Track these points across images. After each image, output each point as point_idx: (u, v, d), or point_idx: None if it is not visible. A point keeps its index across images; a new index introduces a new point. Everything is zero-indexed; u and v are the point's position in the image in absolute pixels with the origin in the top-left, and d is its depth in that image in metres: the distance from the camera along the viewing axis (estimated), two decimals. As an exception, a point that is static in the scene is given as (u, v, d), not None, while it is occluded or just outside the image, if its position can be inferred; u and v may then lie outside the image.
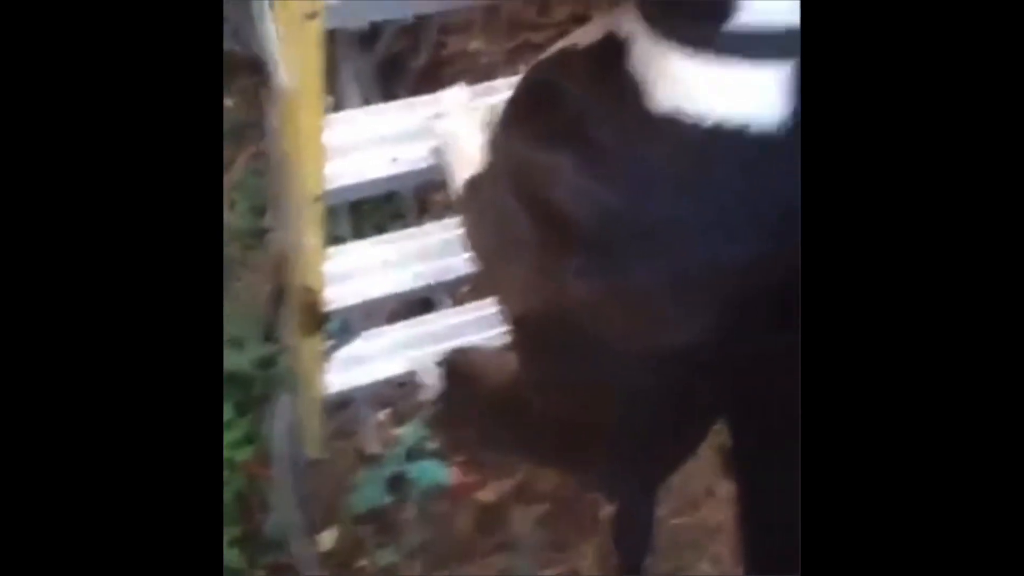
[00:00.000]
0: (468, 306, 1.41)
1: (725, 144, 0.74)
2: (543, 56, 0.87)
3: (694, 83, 0.73)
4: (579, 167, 0.79)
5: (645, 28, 0.75)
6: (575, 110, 0.80)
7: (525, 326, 0.95)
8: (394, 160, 1.05)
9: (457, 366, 1.17)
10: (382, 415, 1.60)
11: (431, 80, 1.66)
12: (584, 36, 0.83)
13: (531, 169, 0.84)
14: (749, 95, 0.73)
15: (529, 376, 0.98)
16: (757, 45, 0.72)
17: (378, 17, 1.24)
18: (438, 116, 1.04)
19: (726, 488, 1.23)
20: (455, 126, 1.02)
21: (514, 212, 0.86)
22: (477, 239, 0.97)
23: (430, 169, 1.07)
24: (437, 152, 1.04)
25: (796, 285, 0.85)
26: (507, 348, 1.03)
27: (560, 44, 0.86)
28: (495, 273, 0.96)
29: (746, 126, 0.74)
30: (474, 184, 0.95)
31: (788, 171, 0.77)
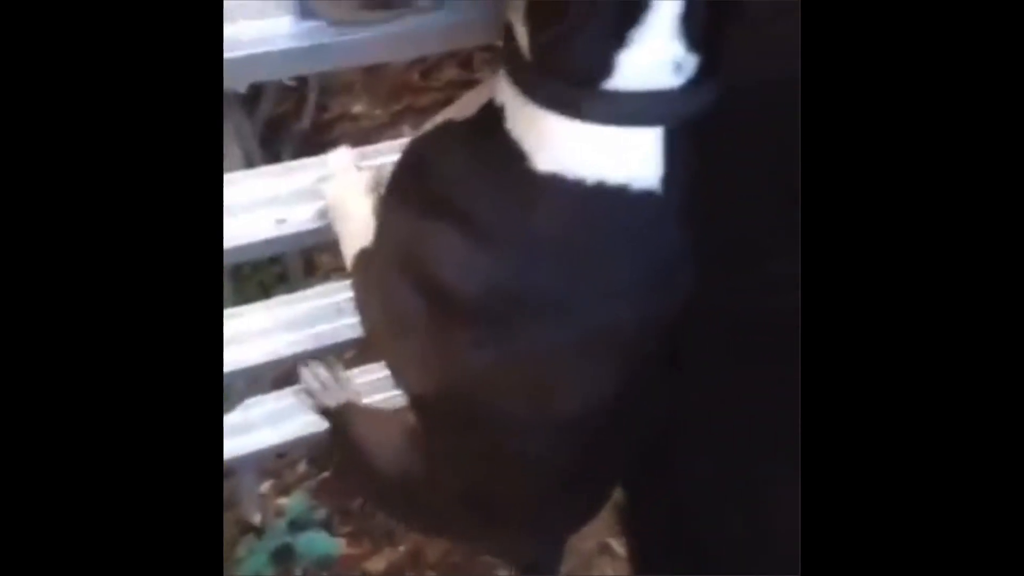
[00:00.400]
0: (355, 370, 1.38)
1: (607, 204, 0.75)
2: (421, 132, 0.87)
3: (572, 146, 0.74)
4: (464, 240, 0.78)
5: (518, 94, 0.76)
6: (457, 183, 0.79)
7: (424, 404, 0.94)
8: (280, 222, 1.03)
9: (347, 429, 1.14)
10: (265, 486, 1.55)
11: (315, 143, 1.65)
12: (461, 109, 0.84)
13: (416, 246, 0.83)
14: (627, 156, 0.74)
15: (432, 450, 0.97)
16: (632, 108, 0.73)
17: (256, 78, 1.23)
18: (324, 179, 1.03)
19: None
20: (342, 190, 1.01)
21: (403, 290, 0.84)
22: (369, 316, 0.95)
23: (316, 231, 1.06)
24: (325, 215, 1.02)
25: (681, 338, 0.87)
26: (400, 412, 1.01)
27: (438, 118, 0.86)
28: (389, 350, 0.95)
29: (626, 185, 0.75)
30: (363, 259, 0.94)
31: (670, 228, 0.79)
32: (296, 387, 1.28)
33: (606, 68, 0.71)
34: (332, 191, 1.01)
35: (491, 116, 0.78)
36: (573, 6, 0.70)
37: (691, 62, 0.72)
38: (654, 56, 0.71)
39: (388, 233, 0.89)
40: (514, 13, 0.75)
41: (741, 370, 0.97)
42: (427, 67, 1.70)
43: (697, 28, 0.71)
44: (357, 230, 0.95)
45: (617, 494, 1.13)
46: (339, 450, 1.19)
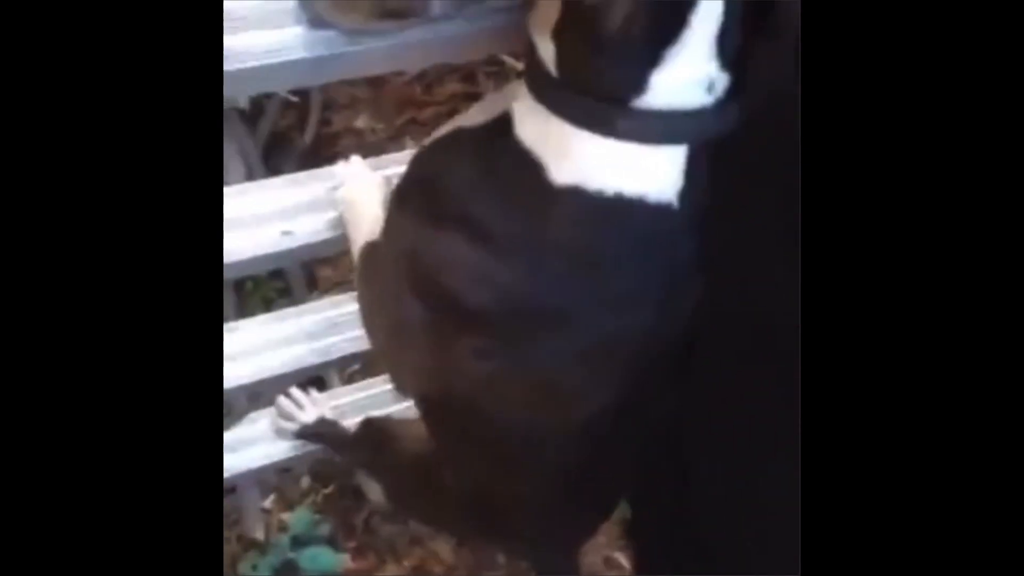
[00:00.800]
0: (357, 384, 1.38)
1: (624, 215, 0.75)
2: (430, 140, 0.87)
3: (596, 160, 0.74)
4: (472, 248, 0.78)
5: (540, 108, 0.75)
6: (466, 192, 0.79)
7: (428, 407, 0.94)
8: (286, 234, 1.02)
9: (373, 432, 1.14)
10: (268, 501, 1.54)
11: (317, 157, 1.65)
12: (471, 118, 0.83)
13: (422, 251, 0.83)
14: (649, 171, 0.74)
15: (439, 454, 0.97)
16: (661, 126, 0.73)
17: (267, 88, 1.23)
18: (336, 188, 1.02)
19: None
20: (355, 190, 1.01)
21: (407, 293, 0.84)
22: (369, 312, 0.95)
23: (321, 244, 1.06)
24: (332, 226, 1.02)
25: (688, 347, 0.87)
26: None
27: (446, 127, 0.86)
28: (387, 349, 0.94)
29: (644, 198, 0.75)
30: (368, 252, 0.94)
31: (684, 240, 0.79)
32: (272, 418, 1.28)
33: (638, 87, 0.71)
34: (345, 192, 1.01)
35: (503, 127, 0.78)
36: (607, 24, 0.69)
37: (723, 81, 0.72)
38: (688, 75, 0.71)
39: (394, 236, 0.88)
40: (539, 29, 0.75)
41: (746, 378, 0.97)
42: (429, 81, 1.70)
43: (732, 47, 0.71)
44: (367, 228, 0.95)
45: (621, 507, 1.12)
46: (358, 445, 1.19)
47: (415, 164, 0.87)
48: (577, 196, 0.74)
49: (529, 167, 0.75)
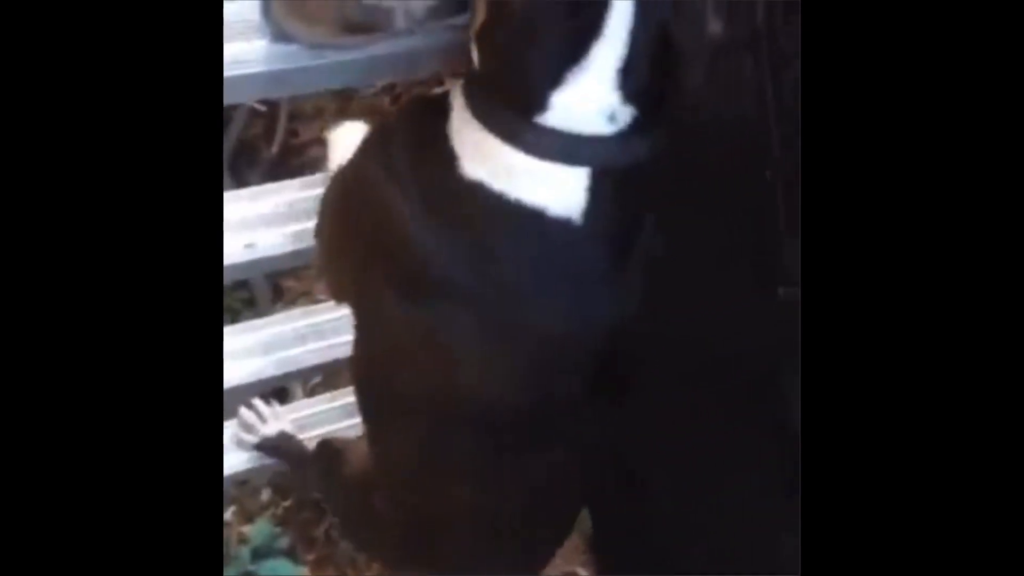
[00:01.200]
0: (320, 397, 1.38)
1: (522, 221, 0.78)
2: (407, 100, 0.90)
3: (500, 163, 0.77)
4: (402, 210, 0.81)
5: (463, 104, 0.79)
6: (405, 164, 0.83)
7: (358, 365, 0.97)
8: (249, 246, 1.02)
9: (326, 452, 1.15)
10: (228, 513, 1.54)
11: (284, 168, 1.65)
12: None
13: (368, 198, 0.86)
14: (550, 185, 0.77)
15: (378, 468, 0.98)
16: (559, 146, 0.76)
17: (230, 100, 1.23)
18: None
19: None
20: (345, 130, 1.04)
21: (348, 224, 0.89)
22: (321, 229, 0.98)
23: (283, 257, 1.05)
24: (296, 238, 1.03)
25: (620, 364, 0.88)
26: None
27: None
28: (329, 268, 0.98)
29: (544, 210, 0.78)
30: (332, 180, 0.97)
31: (587, 257, 0.81)
32: (233, 429, 1.28)
33: (540, 104, 0.74)
34: (334, 133, 1.05)
35: (439, 111, 0.82)
36: (514, 41, 0.74)
37: (627, 113, 0.76)
38: (588, 102, 0.74)
39: (353, 175, 0.91)
40: (473, 35, 0.78)
41: (696, 393, 0.98)
42: (398, 93, 1.70)
43: (636, 82, 0.74)
44: (343, 156, 0.98)
45: (583, 520, 1.13)
46: (313, 464, 1.19)
47: (390, 119, 0.91)
48: (481, 192, 0.78)
49: (447, 158, 0.79)
